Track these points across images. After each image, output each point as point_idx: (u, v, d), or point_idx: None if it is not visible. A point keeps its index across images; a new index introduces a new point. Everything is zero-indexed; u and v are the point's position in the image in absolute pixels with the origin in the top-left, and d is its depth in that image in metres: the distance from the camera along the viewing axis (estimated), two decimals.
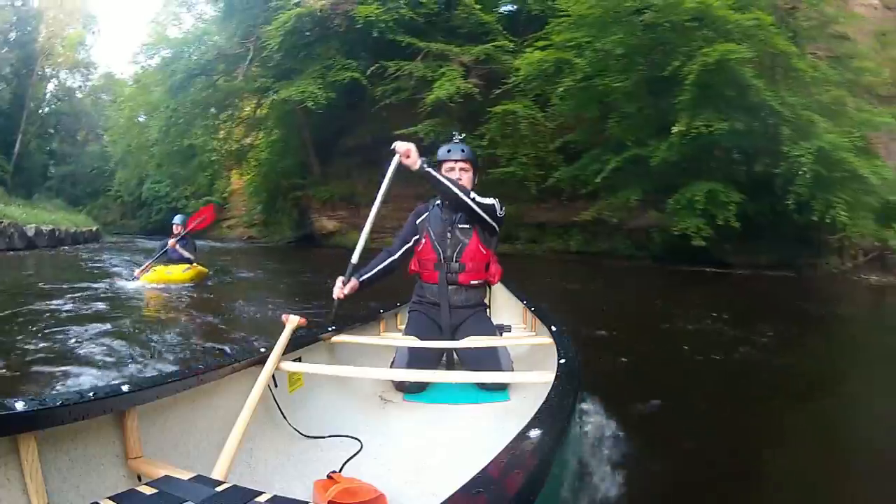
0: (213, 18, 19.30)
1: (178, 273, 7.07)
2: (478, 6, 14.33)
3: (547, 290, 7.59)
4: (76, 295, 5.96)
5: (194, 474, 1.14)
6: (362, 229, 2.41)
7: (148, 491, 1.04)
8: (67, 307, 5.16)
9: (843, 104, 10.76)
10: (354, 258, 2.36)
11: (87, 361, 3.25)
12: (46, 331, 4.01)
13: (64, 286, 6.64)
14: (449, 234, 2.42)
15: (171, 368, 3.05)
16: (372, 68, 14.08)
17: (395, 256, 2.50)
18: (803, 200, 9.82)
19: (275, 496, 1.01)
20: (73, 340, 3.77)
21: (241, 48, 16.56)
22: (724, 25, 10.01)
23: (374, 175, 16.84)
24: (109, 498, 1.02)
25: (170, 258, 7.34)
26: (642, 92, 11.44)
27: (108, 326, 4.28)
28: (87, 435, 1.21)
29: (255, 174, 23.82)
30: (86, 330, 4.10)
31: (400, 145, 2.25)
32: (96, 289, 6.66)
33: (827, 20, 12.06)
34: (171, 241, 7.38)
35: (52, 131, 33.63)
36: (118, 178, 27.93)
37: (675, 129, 9.98)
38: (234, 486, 1.08)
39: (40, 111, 31.46)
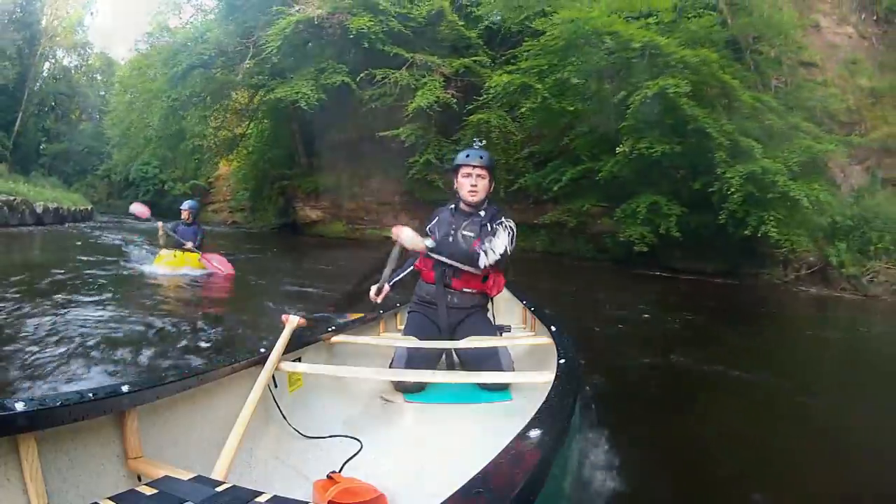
0: (214, 16, 20.10)
1: (195, 260, 7.22)
2: (461, 22, 15.59)
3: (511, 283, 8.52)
4: (94, 273, 6.43)
5: (194, 474, 1.16)
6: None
7: (148, 491, 1.06)
8: (85, 290, 5.35)
9: (796, 129, 11.76)
10: (383, 280, 2.51)
11: (100, 353, 3.35)
12: (62, 320, 4.07)
13: (82, 263, 7.24)
14: (451, 238, 2.44)
15: (180, 357, 3.41)
16: (362, 75, 15.19)
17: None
18: (739, 216, 10.91)
19: (275, 496, 1.04)
20: (88, 329, 3.86)
21: (240, 46, 17.51)
22: (670, 61, 11.17)
23: (357, 169, 18.18)
24: (109, 498, 1.03)
25: (180, 243, 7.26)
26: (597, 113, 12.79)
27: (126, 313, 4.45)
28: (87, 435, 1.21)
29: (243, 162, 24.75)
30: (104, 316, 4.25)
31: (405, 238, 2.27)
32: (113, 270, 7.08)
33: (786, 51, 13.30)
34: (160, 224, 7.31)
35: (46, 109, 34.18)
36: (115, 159, 28.72)
37: (619, 150, 11.33)
38: (234, 487, 1.10)
39: (36, 89, 32.05)
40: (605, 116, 12.51)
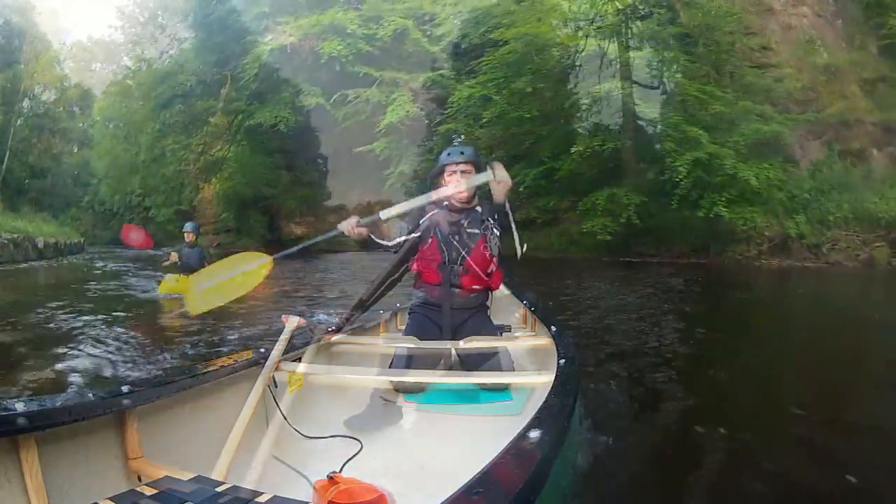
0: (189, 45, 20.86)
1: None
2: (424, 39, 16.49)
3: None
4: (104, 300, 6.59)
5: (194, 474, 1.17)
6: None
7: (148, 491, 1.07)
8: (99, 316, 5.29)
9: (748, 112, 12.36)
10: (383, 214, 2.20)
11: (112, 362, 3.40)
12: (72, 335, 4.18)
13: (92, 293, 7.37)
14: (456, 237, 2.34)
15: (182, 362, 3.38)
16: (335, 96, 16.11)
17: (399, 240, 2.39)
18: (692, 200, 11.58)
19: (275, 496, 1.04)
20: (95, 345, 3.89)
21: (217, 74, 18.37)
22: (615, 63, 12.19)
23: (336, 184, 19.06)
24: (109, 498, 1.04)
25: (187, 266, 6.80)
26: (553, 117, 13.72)
27: (135, 330, 4.50)
28: (87, 436, 1.22)
29: (225, 184, 24.83)
30: (115, 333, 4.29)
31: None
32: (122, 297, 7.17)
33: (737, 39, 13.76)
34: (172, 254, 6.93)
35: (30, 146, 34.53)
36: (104, 191, 29.19)
37: (573, 150, 12.28)
38: (234, 487, 1.10)
39: (20, 125, 32.41)
40: (560, 119, 13.39)
